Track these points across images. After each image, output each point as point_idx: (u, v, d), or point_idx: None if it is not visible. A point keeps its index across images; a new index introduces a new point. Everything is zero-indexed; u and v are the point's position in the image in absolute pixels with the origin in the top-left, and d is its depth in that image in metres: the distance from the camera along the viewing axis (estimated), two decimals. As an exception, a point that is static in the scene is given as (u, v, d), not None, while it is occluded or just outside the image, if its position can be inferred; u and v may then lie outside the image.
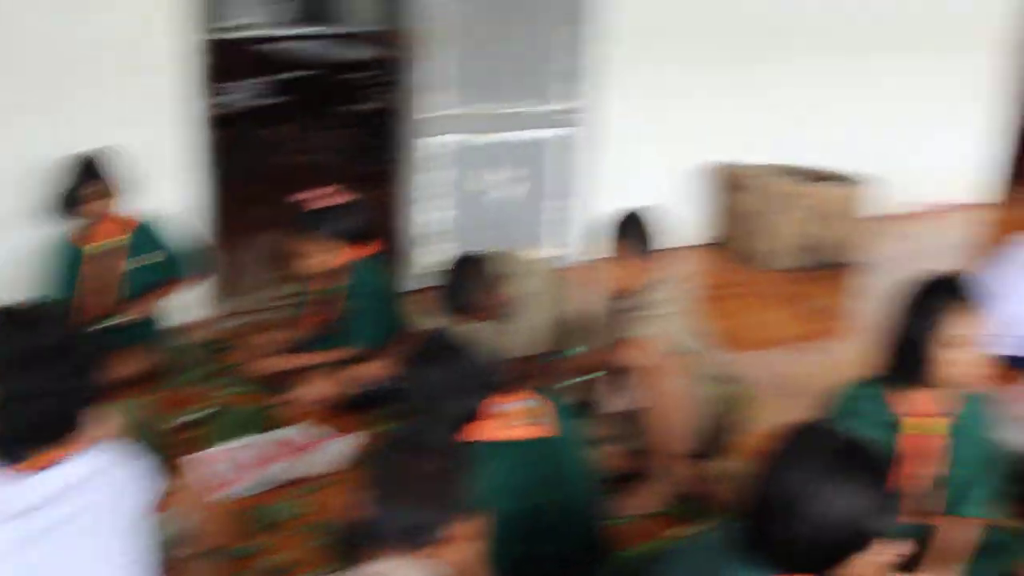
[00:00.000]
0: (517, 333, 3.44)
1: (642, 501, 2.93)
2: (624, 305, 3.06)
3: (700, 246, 5.69)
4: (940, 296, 2.20)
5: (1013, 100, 6.88)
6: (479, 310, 3.34)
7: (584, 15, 4.87)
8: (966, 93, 6.63)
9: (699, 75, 5.41)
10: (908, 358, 2.23)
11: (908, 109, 6.37)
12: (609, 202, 5.14)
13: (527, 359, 3.50)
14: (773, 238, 5.26)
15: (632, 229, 3.08)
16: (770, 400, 3.65)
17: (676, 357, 2.91)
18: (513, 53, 4.77)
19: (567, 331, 3.57)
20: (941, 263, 5.33)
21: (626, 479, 2.99)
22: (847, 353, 4.17)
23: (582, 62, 4.95)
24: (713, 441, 3.08)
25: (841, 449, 1.60)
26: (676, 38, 5.27)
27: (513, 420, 2.27)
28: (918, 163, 6.49)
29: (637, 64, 5.13)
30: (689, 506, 2.97)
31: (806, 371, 4.00)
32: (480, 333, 3.07)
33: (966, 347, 2.16)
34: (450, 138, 4.73)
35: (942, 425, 2.30)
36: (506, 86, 4.82)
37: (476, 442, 2.19)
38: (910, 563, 2.20)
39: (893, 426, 2.30)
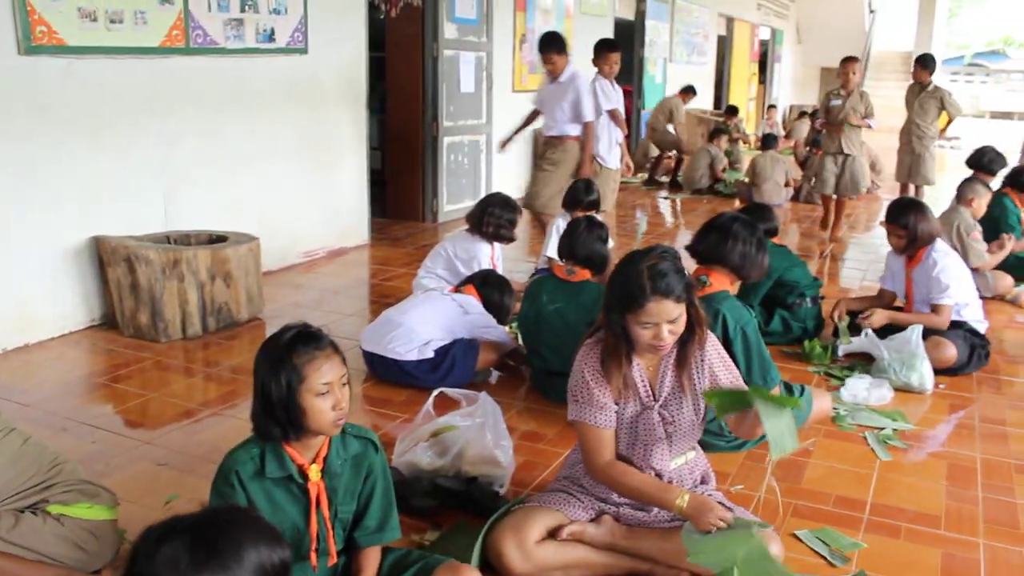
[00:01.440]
0: None
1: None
2: None
3: (90, 328, 5.27)
4: (297, 351, 2.25)
5: (366, 153, 7.59)
6: None
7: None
8: (334, 149, 7.14)
9: (53, 145, 4.98)
10: (284, 412, 2.26)
11: (286, 167, 6.66)
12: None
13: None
14: (166, 308, 5.02)
15: None
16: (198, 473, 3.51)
17: None
18: None
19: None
20: (332, 305, 5.81)
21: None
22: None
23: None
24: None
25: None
26: (21, 109, 4.79)
27: None
28: (301, 216, 6.88)
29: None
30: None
31: (232, 435, 3.86)
32: None
33: (329, 395, 2.26)
34: None
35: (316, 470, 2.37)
36: None
37: None
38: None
39: (302, 475, 2.34)
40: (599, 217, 4.66)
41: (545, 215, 6.75)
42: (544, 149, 6.98)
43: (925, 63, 9.19)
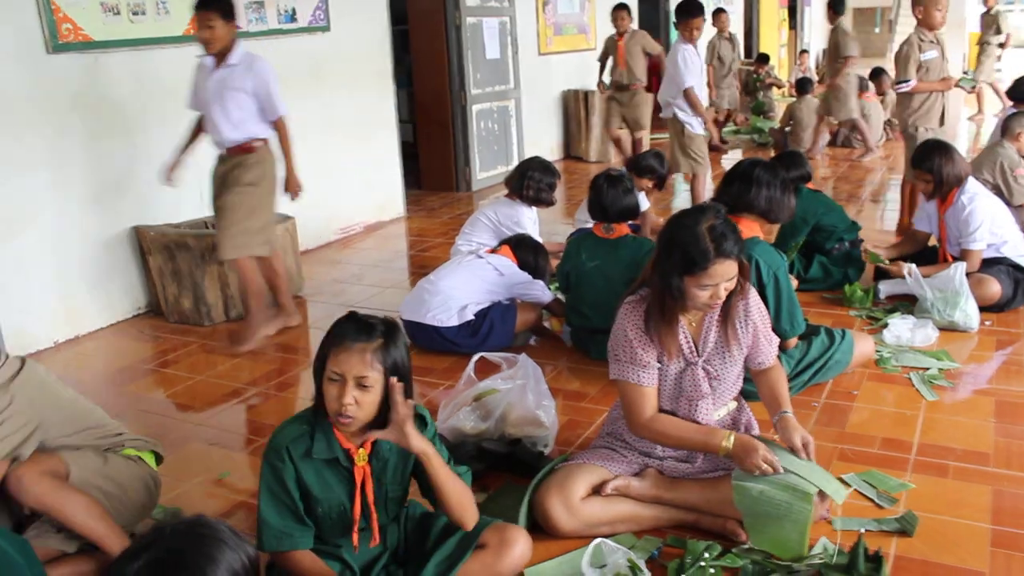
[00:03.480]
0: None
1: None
2: None
3: (135, 317, 5.38)
4: (338, 331, 2.29)
5: (396, 127, 7.61)
6: None
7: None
8: (364, 124, 7.16)
9: (87, 138, 5.06)
10: (319, 392, 2.32)
11: (318, 145, 6.68)
12: (22, 292, 4.71)
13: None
14: (208, 293, 5.10)
15: None
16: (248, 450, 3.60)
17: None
18: None
19: None
20: (370, 279, 5.86)
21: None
22: (312, 387, 4.22)
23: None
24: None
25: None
26: (53, 106, 4.86)
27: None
28: (336, 193, 6.92)
29: (13, 139, 4.69)
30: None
31: (279, 413, 3.94)
32: None
33: (339, 384, 2.26)
34: None
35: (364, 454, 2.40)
36: None
37: None
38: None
39: (347, 456, 2.38)
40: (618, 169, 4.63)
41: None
42: (227, 169, 4.78)
43: (833, 6, 9.51)
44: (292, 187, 4.90)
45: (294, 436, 2.35)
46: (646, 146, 8.43)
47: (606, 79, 9.18)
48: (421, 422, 2.48)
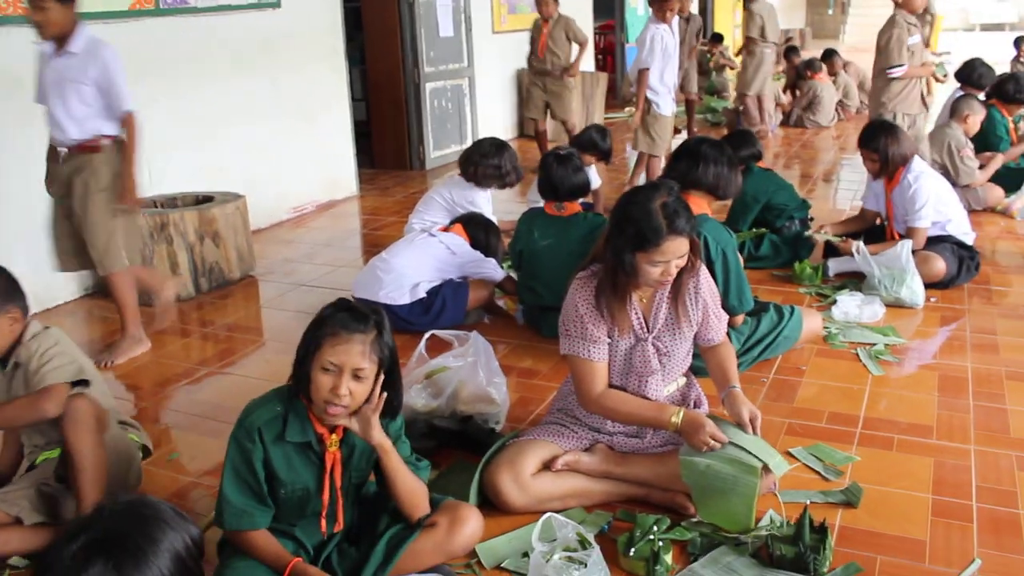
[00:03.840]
0: None
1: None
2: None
3: (84, 297, 5.29)
4: (332, 320, 2.26)
5: (349, 105, 7.54)
6: None
7: None
8: (315, 102, 7.08)
9: (28, 118, 4.94)
10: (300, 377, 2.30)
11: (268, 124, 6.62)
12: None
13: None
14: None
15: None
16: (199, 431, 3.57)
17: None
18: None
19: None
20: (323, 258, 5.82)
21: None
22: (265, 367, 4.20)
23: None
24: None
25: None
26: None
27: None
28: (288, 172, 6.86)
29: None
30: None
31: (231, 393, 3.91)
32: None
33: (334, 374, 2.24)
34: None
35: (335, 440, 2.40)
36: None
37: None
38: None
39: (320, 441, 2.37)
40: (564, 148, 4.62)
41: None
42: (70, 171, 4.15)
43: None
44: (126, 196, 4.17)
45: (267, 418, 2.32)
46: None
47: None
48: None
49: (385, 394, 2.33)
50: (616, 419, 2.86)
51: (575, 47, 8.25)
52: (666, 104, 6.78)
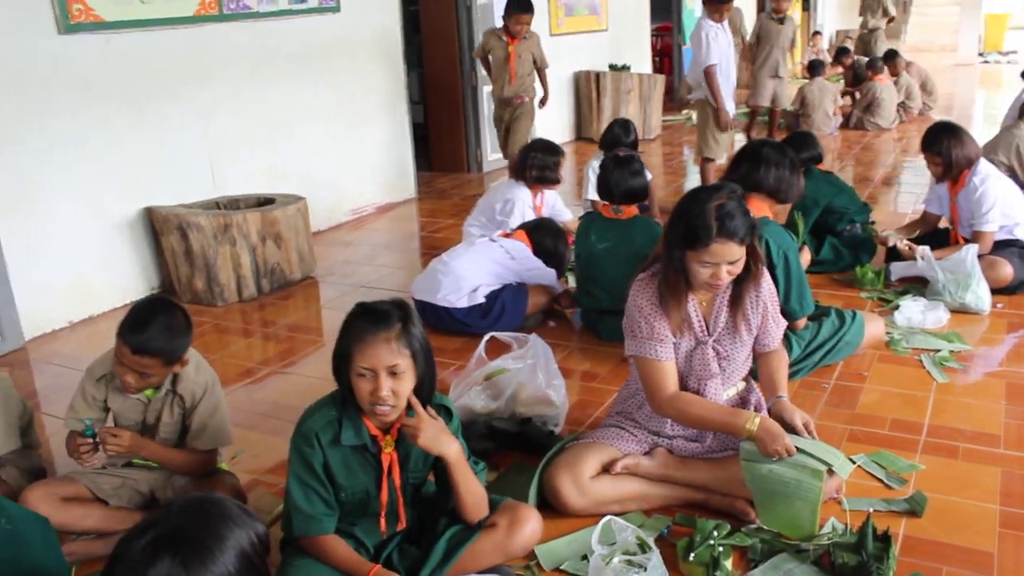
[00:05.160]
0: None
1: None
2: None
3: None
4: (355, 326, 2.28)
5: (407, 108, 7.60)
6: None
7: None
8: (374, 105, 7.16)
9: (98, 121, 5.07)
10: (340, 381, 2.34)
11: (328, 126, 6.70)
12: (37, 273, 4.74)
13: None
14: (221, 272, 5.13)
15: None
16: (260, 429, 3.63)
17: None
18: None
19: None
20: (382, 260, 5.88)
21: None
22: (325, 367, 4.25)
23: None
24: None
25: None
26: (65, 87, 4.87)
27: None
28: (347, 174, 6.94)
29: (25, 121, 4.70)
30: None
31: (292, 392, 3.97)
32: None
33: (371, 378, 2.25)
34: None
35: (391, 441, 2.42)
36: None
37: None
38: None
39: (375, 443, 2.40)
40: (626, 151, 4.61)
41: None
42: None
43: None
44: None
45: (323, 423, 2.36)
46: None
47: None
48: (446, 414, 2.50)
49: (428, 411, 2.37)
50: (686, 422, 2.84)
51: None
52: (731, 106, 6.71)
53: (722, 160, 6.79)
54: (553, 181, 5.41)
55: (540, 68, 7.17)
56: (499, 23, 8.16)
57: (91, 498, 2.87)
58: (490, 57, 7.13)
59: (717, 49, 6.47)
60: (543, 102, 7.31)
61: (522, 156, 5.41)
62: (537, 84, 7.22)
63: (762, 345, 2.94)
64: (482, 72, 8.53)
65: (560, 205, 5.63)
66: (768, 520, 2.69)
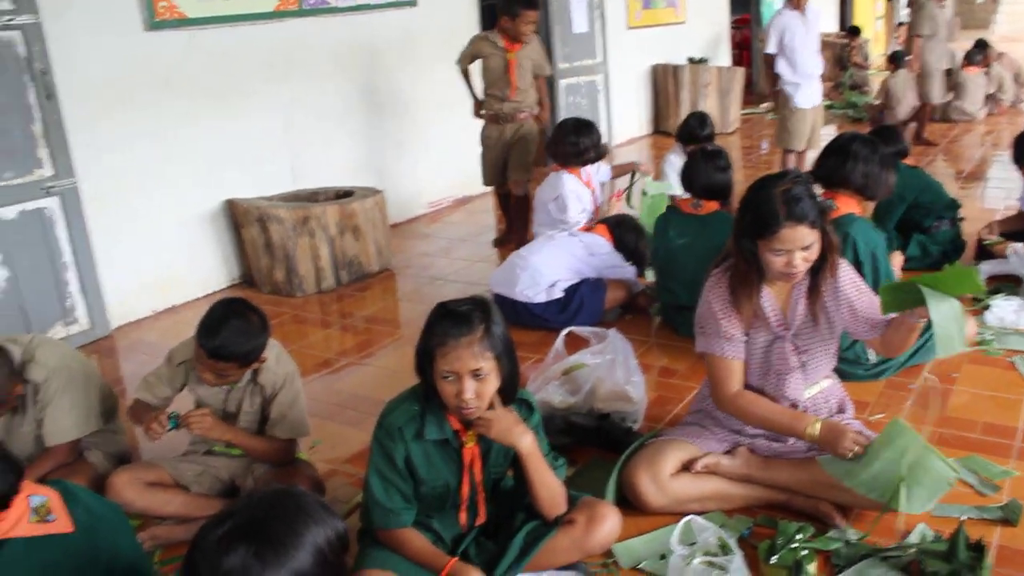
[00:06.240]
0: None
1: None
2: None
3: (230, 287, 5.51)
4: (437, 329, 2.26)
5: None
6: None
7: (32, 77, 4.44)
8: (451, 99, 7.16)
9: (182, 117, 5.17)
10: (425, 383, 2.33)
11: (405, 120, 6.74)
12: (123, 263, 4.86)
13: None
14: (300, 264, 5.19)
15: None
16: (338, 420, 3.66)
17: None
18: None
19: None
20: (458, 253, 5.88)
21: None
22: (402, 359, 4.27)
23: (45, 127, 4.51)
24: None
25: None
26: (149, 83, 4.98)
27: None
28: (425, 167, 6.98)
29: (112, 116, 4.83)
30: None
31: (369, 383, 4.00)
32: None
33: (454, 382, 2.24)
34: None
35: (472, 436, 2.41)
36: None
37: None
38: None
39: (457, 438, 2.39)
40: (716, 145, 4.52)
41: None
42: None
43: None
44: None
45: (406, 418, 2.36)
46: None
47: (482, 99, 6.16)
48: (527, 409, 2.48)
49: (510, 408, 2.37)
50: (748, 421, 2.79)
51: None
52: (803, 96, 6.58)
53: (799, 148, 6.71)
54: (596, 159, 5.19)
55: (541, 77, 6.05)
56: (576, 18, 8.08)
57: (173, 484, 2.94)
58: (478, 66, 5.95)
59: (775, 39, 6.48)
60: (540, 119, 6.15)
61: (555, 142, 5.15)
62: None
63: (871, 333, 2.78)
64: (559, 65, 8.46)
65: (604, 169, 5.46)
66: (858, 484, 2.60)
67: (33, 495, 2.06)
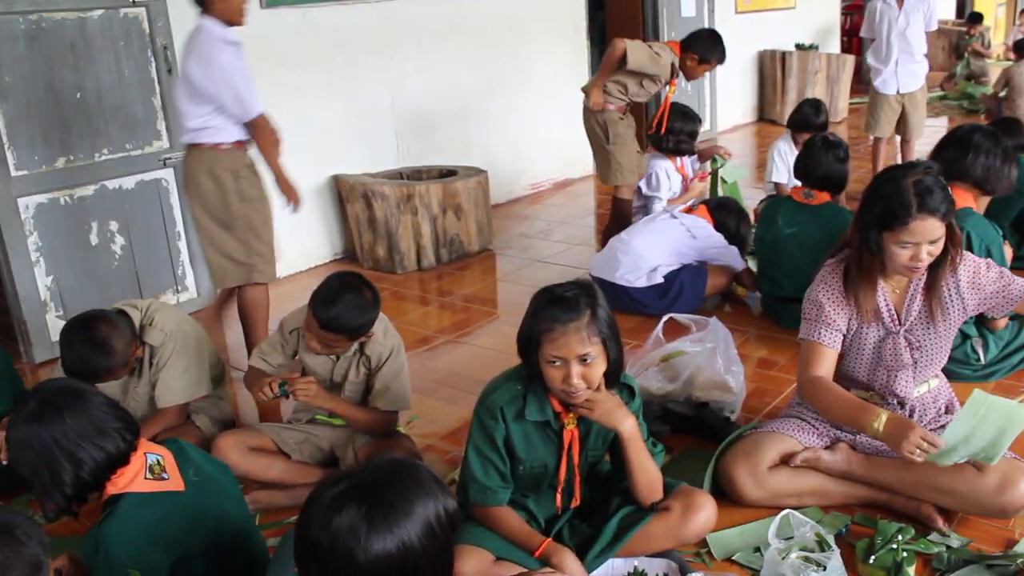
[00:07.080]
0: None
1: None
2: None
3: (333, 262, 5.62)
4: (544, 314, 2.24)
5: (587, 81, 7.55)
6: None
7: (154, 52, 4.60)
8: (557, 81, 7.17)
9: (293, 92, 5.28)
10: (530, 365, 2.33)
11: (510, 101, 6.77)
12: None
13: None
14: (402, 241, 5.27)
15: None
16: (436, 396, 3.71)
17: None
18: (86, 100, 4.39)
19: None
20: (558, 235, 5.89)
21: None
22: (499, 339, 4.31)
23: (164, 101, 4.65)
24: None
25: None
26: (265, 58, 5.09)
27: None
28: (527, 149, 6.99)
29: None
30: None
31: (467, 362, 4.05)
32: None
33: (561, 367, 2.23)
34: (41, 197, 4.29)
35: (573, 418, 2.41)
36: (87, 135, 4.42)
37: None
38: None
39: (558, 419, 2.40)
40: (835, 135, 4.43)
41: None
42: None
43: None
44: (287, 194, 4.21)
45: (508, 398, 2.37)
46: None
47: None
48: (629, 393, 2.48)
49: (613, 392, 2.37)
50: (817, 407, 2.75)
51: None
52: (885, 82, 6.50)
53: (884, 136, 6.67)
54: (687, 152, 5.44)
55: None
56: (685, 1, 8.05)
57: (275, 450, 3.03)
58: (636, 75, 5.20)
59: (870, 23, 6.55)
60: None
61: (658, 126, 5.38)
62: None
63: (1005, 311, 2.75)
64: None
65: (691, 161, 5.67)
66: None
67: (149, 452, 2.15)
